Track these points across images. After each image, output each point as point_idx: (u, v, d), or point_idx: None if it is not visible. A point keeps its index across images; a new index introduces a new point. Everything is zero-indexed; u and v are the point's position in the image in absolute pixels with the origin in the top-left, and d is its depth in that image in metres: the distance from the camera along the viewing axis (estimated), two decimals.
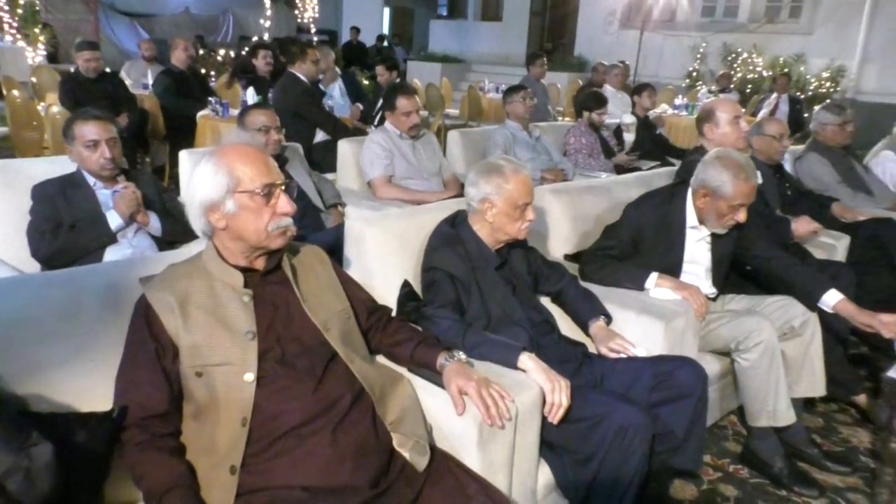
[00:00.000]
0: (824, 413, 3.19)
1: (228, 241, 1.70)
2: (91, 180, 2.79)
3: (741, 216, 2.66)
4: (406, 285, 2.34)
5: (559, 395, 1.93)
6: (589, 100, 5.48)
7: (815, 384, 2.78)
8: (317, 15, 14.62)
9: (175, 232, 2.83)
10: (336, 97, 6.57)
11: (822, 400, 3.05)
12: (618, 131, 5.83)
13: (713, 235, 2.81)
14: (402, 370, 1.95)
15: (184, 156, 3.42)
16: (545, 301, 2.58)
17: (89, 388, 1.67)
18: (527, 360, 1.99)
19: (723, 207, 2.66)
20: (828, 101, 8.80)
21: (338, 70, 7.24)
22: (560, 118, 8.71)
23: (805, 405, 2.97)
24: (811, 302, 2.74)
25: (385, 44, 17.84)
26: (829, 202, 4.01)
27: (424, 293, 2.32)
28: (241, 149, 1.71)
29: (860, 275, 3.23)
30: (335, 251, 2.46)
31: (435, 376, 1.90)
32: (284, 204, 1.69)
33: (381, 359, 2.02)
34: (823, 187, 4.20)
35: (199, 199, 1.67)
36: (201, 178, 1.67)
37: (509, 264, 2.44)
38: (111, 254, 2.71)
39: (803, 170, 4.35)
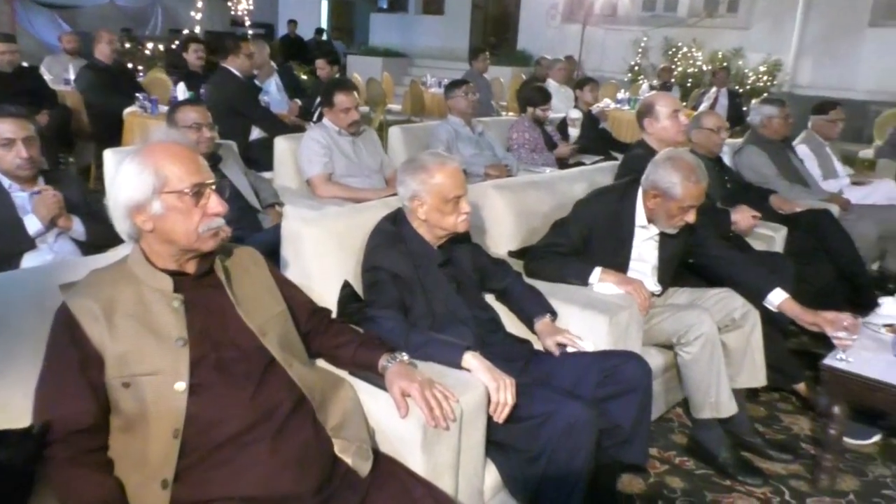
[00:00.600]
0: (767, 402, 3.25)
1: (156, 244, 1.62)
2: (6, 182, 2.63)
3: (691, 217, 2.67)
4: (346, 286, 2.28)
5: (504, 393, 1.90)
6: (533, 95, 5.48)
7: (755, 374, 2.82)
8: (251, 7, 14.31)
9: (102, 235, 2.68)
10: (273, 93, 6.43)
11: (765, 389, 3.10)
12: (562, 125, 5.85)
13: (662, 235, 2.82)
14: (343, 373, 1.90)
15: (108, 155, 3.27)
16: (489, 299, 2.55)
17: (7, 404, 1.58)
18: (471, 358, 1.96)
19: (673, 208, 2.66)
20: (765, 95, 9.04)
21: (274, 65, 7.09)
22: (503, 113, 8.70)
23: (748, 395, 3.02)
24: (757, 300, 2.77)
25: (324, 37, 17.58)
26: (768, 194, 4.09)
27: (366, 293, 2.26)
28: (169, 147, 1.64)
29: (799, 265, 3.30)
30: (275, 252, 2.39)
31: (377, 378, 1.85)
32: (215, 204, 1.62)
33: (321, 362, 1.96)
34: (762, 179, 4.29)
35: (124, 201, 1.59)
36: (125, 177, 1.59)
37: (453, 262, 2.40)
38: (30, 260, 2.57)
39: (742, 162, 4.43)
